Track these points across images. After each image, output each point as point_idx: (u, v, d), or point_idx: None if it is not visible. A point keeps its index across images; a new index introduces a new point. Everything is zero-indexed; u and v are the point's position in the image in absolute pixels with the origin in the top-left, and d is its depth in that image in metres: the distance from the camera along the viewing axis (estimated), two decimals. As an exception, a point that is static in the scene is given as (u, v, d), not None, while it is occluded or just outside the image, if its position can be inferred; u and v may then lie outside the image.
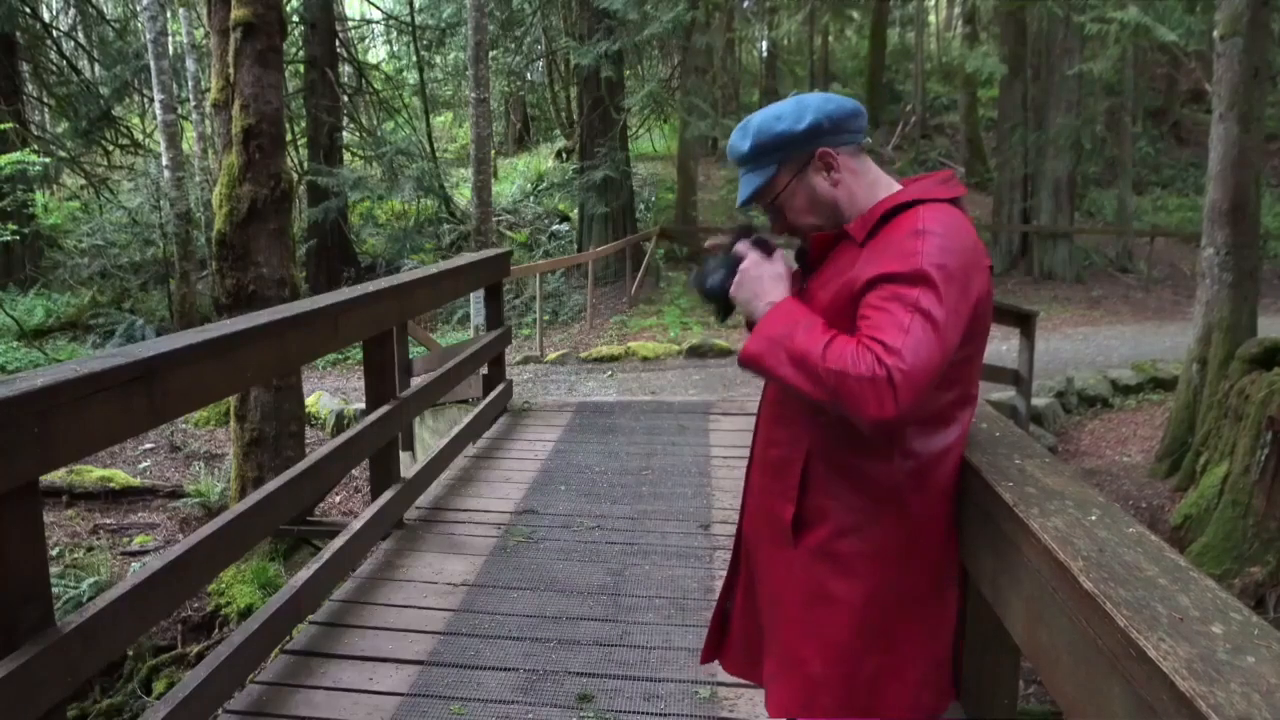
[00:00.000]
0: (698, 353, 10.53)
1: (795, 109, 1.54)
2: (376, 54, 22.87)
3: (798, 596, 1.60)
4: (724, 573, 1.98)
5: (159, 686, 5.28)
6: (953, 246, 1.41)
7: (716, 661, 1.87)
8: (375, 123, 18.17)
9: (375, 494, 3.74)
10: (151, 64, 13.09)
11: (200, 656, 5.23)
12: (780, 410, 1.65)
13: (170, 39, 15.27)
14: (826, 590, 1.56)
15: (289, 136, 11.86)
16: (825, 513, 1.56)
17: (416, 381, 5.19)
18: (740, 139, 1.57)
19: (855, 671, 1.56)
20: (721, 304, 1.62)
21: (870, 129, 21.25)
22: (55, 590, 4.54)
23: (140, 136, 17.72)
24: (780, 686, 1.66)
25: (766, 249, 1.61)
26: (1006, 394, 7.63)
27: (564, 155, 19.57)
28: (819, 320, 1.45)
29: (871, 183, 1.56)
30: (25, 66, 16.34)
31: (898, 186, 1.57)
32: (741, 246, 1.61)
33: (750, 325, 1.55)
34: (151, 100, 14.57)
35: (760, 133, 1.55)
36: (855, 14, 17.00)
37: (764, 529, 1.67)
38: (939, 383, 1.47)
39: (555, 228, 17.14)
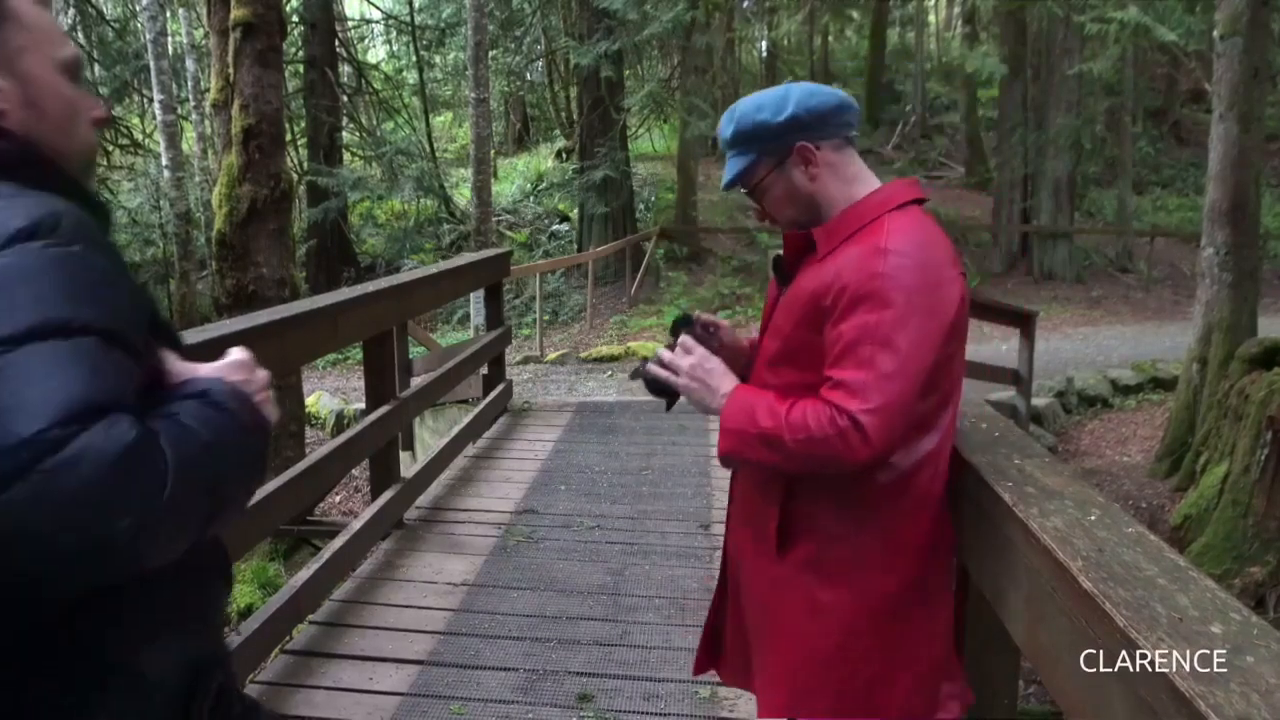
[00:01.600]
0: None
1: (778, 100, 1.51)
2: (376, 54, 22.85)
3: (785, 607, 1.58)
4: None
5: (159, 686, 5.27)
6: (916, 262, 1.38)
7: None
8: (375, 123, 18.16)
9: (375, 494, 3.74)
10: (151, 64, 13.09)
11: (200, 656, 5.22)
12: None
13: (170, 39, 15.26)
14: (814, 600, 1.54)
15: (289, 136, 11.86)
16: (809, 520, 1.53)
17: (416, 381, 5.19)
18: (726, 124, 1.56)
19: (845, 682, 1.54)
20: (664, 396, 1.67)
21: (870, 129, 21.32)
22: (55, 590, 4.52)
23: (140, 136, 17.71)
24: (769, 698, 1.64)
25: (700, 329, 1.65)
26: (1006, 394, 7.63)
27: (564, 155, 19.55)
28: (769, 396, 1.46)
29: (850, 179, 1.53)
30: (25, 66, 16.30)
31: (876, 184, 1.54)
32: (684, 340, 1.62)
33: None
34: (151, 100, 14.56)
35: (741, 120, 1.53)
36: (855, 14, 17.01)
37: (748, 537, 1.65)
38: (919, 392, 1.43)
39: (555, 228, 17.14)
